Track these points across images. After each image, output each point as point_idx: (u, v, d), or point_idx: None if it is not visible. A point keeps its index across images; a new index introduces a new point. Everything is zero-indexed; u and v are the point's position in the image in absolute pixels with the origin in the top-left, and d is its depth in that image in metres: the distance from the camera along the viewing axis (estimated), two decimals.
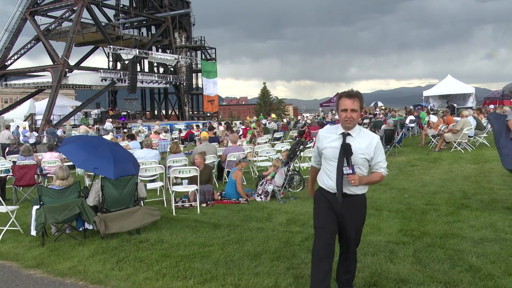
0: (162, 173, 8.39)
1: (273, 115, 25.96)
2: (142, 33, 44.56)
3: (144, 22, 44.18)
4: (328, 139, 3.16)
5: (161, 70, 42.23)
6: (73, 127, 28.56)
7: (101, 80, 34.33)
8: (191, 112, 47.49)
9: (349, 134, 3.06)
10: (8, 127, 17.95)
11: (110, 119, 29.42)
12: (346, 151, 3.00)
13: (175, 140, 16.98)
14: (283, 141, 15.60)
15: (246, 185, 8.53)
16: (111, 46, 34.33)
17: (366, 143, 3.05)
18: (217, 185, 9.12)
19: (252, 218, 6.21)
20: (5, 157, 11.67)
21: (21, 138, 20.67)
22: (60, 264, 4.66)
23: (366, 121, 21.47)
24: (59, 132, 23.38)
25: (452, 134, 12.52)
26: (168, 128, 27.31)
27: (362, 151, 3.04)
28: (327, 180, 3.17)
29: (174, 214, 6.80)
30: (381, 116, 21.67)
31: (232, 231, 5.55)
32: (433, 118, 16.72)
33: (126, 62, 35.63)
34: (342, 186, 3.06)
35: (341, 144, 3.03)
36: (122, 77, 35.46)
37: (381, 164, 3.14)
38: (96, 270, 4.40)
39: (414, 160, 11.21)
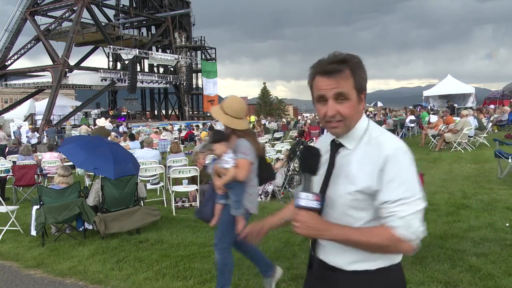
0: (162, 173, 8.39)
1: (253, 117, 25.16)
2: (142, 33, 44.58)
3: (144, 22, 44.20)
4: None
5: (161, 70, 42.25)
6: (73, 127, 28.55)
7: (101, 80, 34.36)
8: (191, 112, 47.48)
9: (340, 145, 1.53)
10: (0, 127, 17.82)
11: (109, 119, 29.42)
12: (306, 162, 1.48)
13: (175, 140, 17.00)
14: (283, 141, 15.60)
15: None
16: (111, 46, 34.37)
17: (372, 162, 1.43)
18: None
19: (252, 218, 6.20)
20: (4, 157, 11.66)
21: (23, 138, 20.65)
22: (60, 264, 4.66)
23: None
24: (121, 129, 23.33)
25: (452, 134, 12.52)
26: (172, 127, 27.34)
27: (350, 180, 1.45)
28: None
29: (174, 214, 6.80)
30: (381, 116, 21.69)
31: None
32: (433, 119, 16.74)
33: (126, 62, 35.66)
34: (315, 242, 1.57)
35: (298, 149, 1.48)
36: (122, 77, 35.50)
37: (397, 209, 1.38)
38: (96, 270, 4.40)
39: (414, 160, 11.21)
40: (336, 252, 1.49)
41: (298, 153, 7.96)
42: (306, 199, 1.42)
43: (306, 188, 1.44)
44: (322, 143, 1.64)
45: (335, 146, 1.54)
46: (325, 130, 1.67)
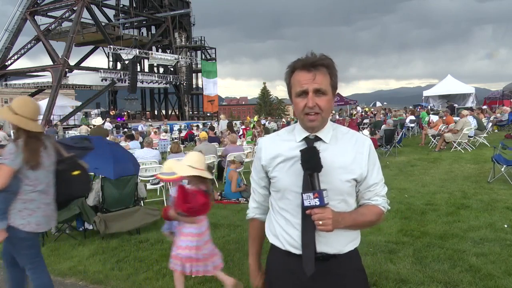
0: None
1: (255, 118, 24.99)
2: (142, 33, 44.60)
3: (144, 22, 44.22)
4: (280, 151, 1.68)
5: (161, 70, 42.26)
6: (73, 127, 28.52)
7: (101, 80, 34.36)
8: (191, 112, 47.48)
9: (318, 139, 1.64)
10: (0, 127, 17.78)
11: (108, 119, 29.41)
12: (309, 161, 1.55)
13: (175, 140, 17.00)
14: None
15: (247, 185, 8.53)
16: (111, 46, 34.37)
17: (352, 153, 1.64)
18: (217, 185, 9.11)
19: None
20: None
21: None
22: (60, 264, 4.66)
23: (366, 121, 21.45)
24: (140, 127, 23.14)
25: (452, 134, 12.52)
26: (168, 128, 27.31)
27: (346, 169, 1.61)
28: (284, 230, 1.70)
29: None
30: (381, 116, 21.68)
31: (232, 231, 5.55)
32: (434, 119, 16.74)
33: (126, 62, 35.65)
34: (314, 239, 1.59)
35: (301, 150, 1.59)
36: (122, 77, 35.50)
37: (378, 190, 1.69)
38: (96, 270, 4.40)
39: (414, 160, 11.21)
40: (337, 239, 1.62)
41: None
42: (309, 201, 1.53)
43: (313, 186, 1.55)
44: (280, 141, 1.72)
45: (311, 142, 1.63)
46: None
